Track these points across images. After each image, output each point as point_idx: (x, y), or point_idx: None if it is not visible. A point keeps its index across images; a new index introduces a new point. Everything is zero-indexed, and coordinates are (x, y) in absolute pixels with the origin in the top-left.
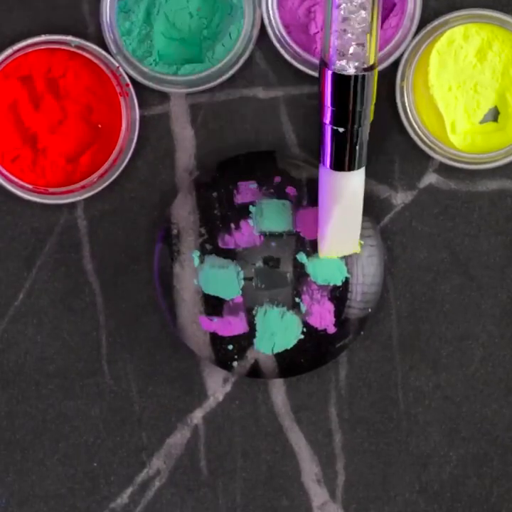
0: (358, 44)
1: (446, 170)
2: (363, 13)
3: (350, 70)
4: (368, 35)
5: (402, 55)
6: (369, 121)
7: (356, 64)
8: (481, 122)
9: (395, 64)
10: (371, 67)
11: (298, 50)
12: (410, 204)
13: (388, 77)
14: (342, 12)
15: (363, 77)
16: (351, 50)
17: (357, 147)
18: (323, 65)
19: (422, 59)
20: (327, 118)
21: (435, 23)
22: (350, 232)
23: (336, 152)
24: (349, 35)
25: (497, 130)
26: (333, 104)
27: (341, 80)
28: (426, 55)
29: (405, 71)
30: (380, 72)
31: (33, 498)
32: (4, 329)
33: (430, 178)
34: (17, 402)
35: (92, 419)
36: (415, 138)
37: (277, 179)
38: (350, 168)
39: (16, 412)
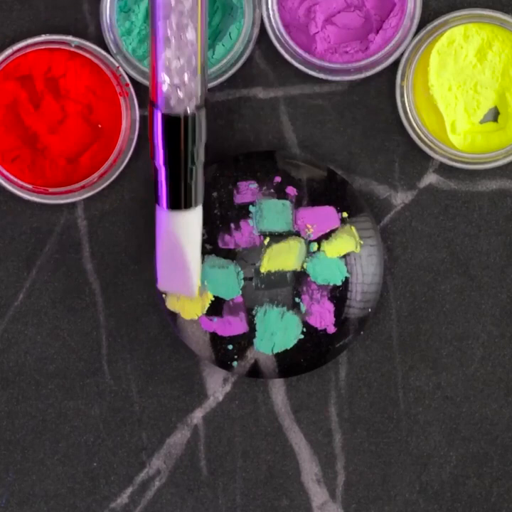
0: (186, 85)
1: (446, 170)
2: (189, 58)
3: (180, 111)
4: (196, 76)
5: (402, 55)
6: (202, 160)
7: (185, 104)
8: (481, 122)
9: (395, 64)
10: (200, 107)
11: (298, 50)
12: (410, 204)
13: (388, 77)
14: (168, 55)
15: (193, 117)
16: (179, 92)
17: (193, 186)
18: (152, 105)
19: (422, 59)
20: (160, 159)
21: (435, 23)
22: (187, 271)
23: (171, 192)
24: (176, 78)
25: (497, 130)
26: (164, 145)
27: (171, 121)
28: (426, 55)
29: (405, 71)
30: (380, 72)
31: (33, 498)
32: (4, 329)
33: (430, 178)
34: (17, 402)
35: (92, 419)
36: (415, 138)
37: (277, 179)
38: (186, 207)
39: (16, 412)
